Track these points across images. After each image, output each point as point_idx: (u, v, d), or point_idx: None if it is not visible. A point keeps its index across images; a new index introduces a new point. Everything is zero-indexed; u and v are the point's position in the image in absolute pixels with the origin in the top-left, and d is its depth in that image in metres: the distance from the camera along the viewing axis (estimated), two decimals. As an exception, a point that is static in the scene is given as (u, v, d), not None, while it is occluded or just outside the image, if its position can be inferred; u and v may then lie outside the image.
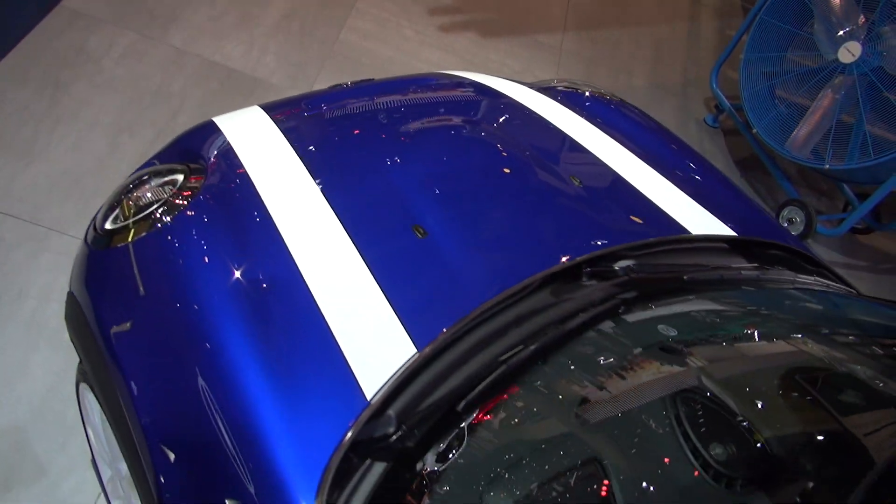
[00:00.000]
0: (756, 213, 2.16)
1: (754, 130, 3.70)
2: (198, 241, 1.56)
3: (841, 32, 3.39)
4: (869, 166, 3.26)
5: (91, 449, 2.02)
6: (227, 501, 1.25)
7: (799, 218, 3.61)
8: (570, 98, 2.34)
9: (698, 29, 4.89)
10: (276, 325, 1.41)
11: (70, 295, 1.70)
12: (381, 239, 1.61)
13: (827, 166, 3.40)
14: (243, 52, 3.51)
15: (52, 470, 2.08)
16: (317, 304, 1.44)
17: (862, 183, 3.59)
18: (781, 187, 3.85)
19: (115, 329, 1.53)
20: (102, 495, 2.04)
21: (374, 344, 1.39)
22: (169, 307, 1.48)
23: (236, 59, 3.46)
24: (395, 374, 1.34)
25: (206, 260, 1.52)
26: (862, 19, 3.34)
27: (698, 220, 1.92)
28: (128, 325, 1.52)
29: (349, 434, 1.26)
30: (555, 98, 2.28)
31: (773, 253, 2.01)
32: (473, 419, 1.30)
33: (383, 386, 1.33)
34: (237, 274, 1.48)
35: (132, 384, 1.44)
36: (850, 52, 3.36)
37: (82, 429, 2.08)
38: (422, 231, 1.63)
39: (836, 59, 3.41)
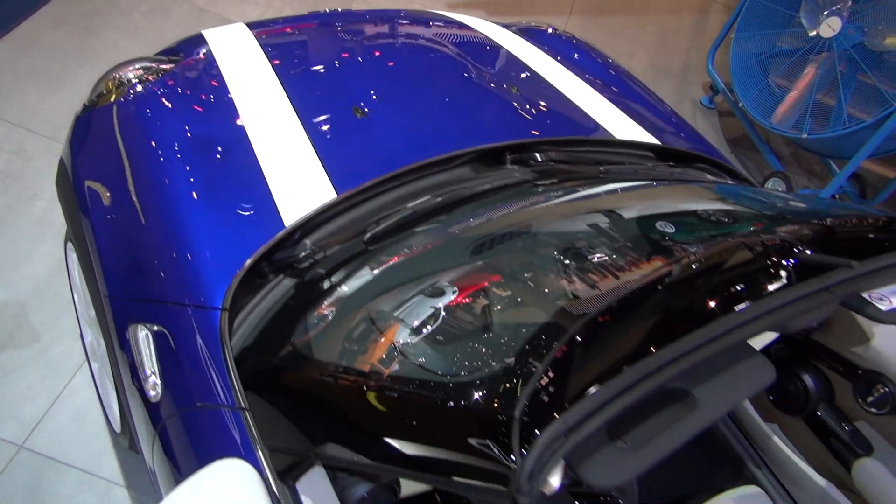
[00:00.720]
0: (689, 132, 2.32)
1: (741, 104, 3.83)
2: (163, 101, 1.81)
3: (826, 12, 3.53)
4: (841, 136, 3.37)
5: (77, 316, 2.28)
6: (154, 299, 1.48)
7: (781, 188, 3.72)
8: (528, 32, 2.55)
9: (706, 20, 5.04)
10: (217, 166, 1.65)
11: (60, 161, 1.97)
12: (323, 113, 1.84)
13: (805, 135, 3.52)
14: (260, 14, 3.82)
15: (45, 338, 2.34)
16: (255, 153, 1.67)
17: (840, 157, 3.69)
18: (767, 161, 3.96)
19: (87, 181, 1.78)
20: (86, 362, 2.29)
21: (300, 187, 1.61)
22: (133, 157, 1.72)
23: (252, 17, 3.76)
24: (313, 210, 1.56)
25: (167, 116, 1.77)
26: (844, -4, 3.47)
27: (627, 130, 2.10)
28: (97, 174, 1.77)
29: (262, 247, 1.47)
30: (512, 31, 2.49)
31: (699, 166, 2.17)
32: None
33: (301, 218, 1.54)
34: (191, 128, 1.73)
35: (94, 219, 1.68)
36: (830, 28, 3.50)
37: (73, 307, 2.35)
38: (361, 111, 1.86)
39: (819, 35, 3.54)
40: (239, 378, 1.27)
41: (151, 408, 1.42)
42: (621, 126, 2.11)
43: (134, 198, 1.62)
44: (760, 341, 1.87)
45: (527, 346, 1.00)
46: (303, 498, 1.16)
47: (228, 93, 1.85)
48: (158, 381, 1.40)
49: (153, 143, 1.69)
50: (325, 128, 1.80)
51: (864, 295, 1.25)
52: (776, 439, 2.17)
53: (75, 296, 2.26)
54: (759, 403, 2.24)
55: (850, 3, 3.47)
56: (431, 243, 1.52)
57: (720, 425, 2.38)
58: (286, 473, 1.17)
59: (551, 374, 0.94)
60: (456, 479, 0.93)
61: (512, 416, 0.90)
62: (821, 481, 2.06)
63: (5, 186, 2.69)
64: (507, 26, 2.57)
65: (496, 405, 0.93)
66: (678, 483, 1.98)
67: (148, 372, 1.42)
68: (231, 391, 1.26)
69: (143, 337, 1.45)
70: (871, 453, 1.94)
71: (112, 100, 1.87)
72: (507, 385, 0.95)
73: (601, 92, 2.23)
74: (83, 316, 2.19)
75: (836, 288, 1.15)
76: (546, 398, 0.91)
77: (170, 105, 1.80)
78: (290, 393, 1.23)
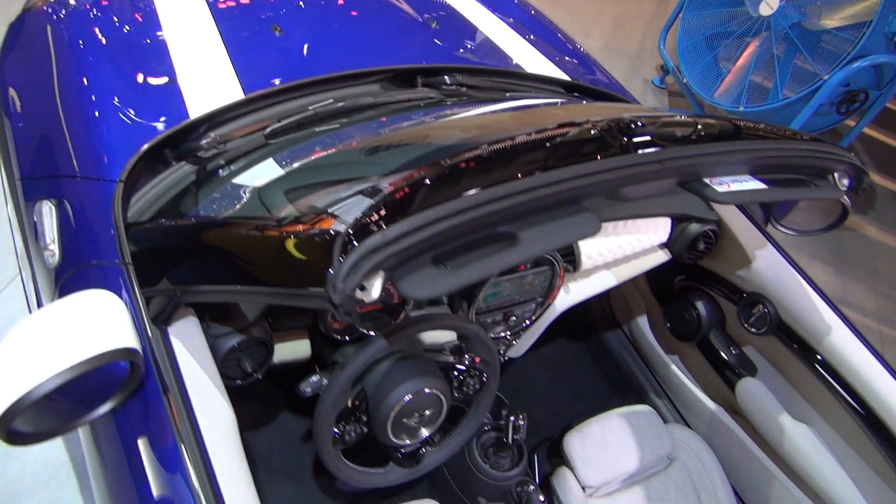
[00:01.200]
0: (603, 73, 2.43)
1: (685, 80, 3.97)
2: (87, 7, 1.91)
3: (766, -9, 3.67)
4: (773, 110, 3.51)
5: (11, 226, 2.36)
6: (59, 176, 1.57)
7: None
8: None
9: (665, 7, 5.18)
10: (130, 58, 1.74)
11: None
12: (242, 29, 1.93)
13: (741, 108, 3.66)
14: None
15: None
16: (169, 52, 1.77)
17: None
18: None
19: (11, 79, 1.87)
20: (19, 274, 2.37)
21: (209, 85, 1.71)
22: (56, 49, 1.81)
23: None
24: (219, 107, 1.65)
25: (87, 13, 1.86)
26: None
27: (539, 66, 2.21)
28: (20, 73, 1.86)
29: (164, 133, 1.56)
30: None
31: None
32: None
33: (207, 112, 1.64)
34: (109, 23, 1.82)
35: (13, 112, 1.77)
36: (768, 6, 3.63)
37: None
38: (279, 29, 1.95)
39: (759, 14, 3.68)
40: (126, 238, 1.36)
41: (54, 274, 1.51)
42: (534, 63, 2.22)
43: (53, 84, 1.71)
44: (647, 264, 1.99)
45: (361, 184, 1.10)
46: (173, 340, 1.25)
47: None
48: (57, 249, 1.49)
49: (72, 35, 1.78)
50: (242, 36, 1.89)
51: (706, 180, 1.36)
52: (674, 368, 2.28)
53: (5, 199, 2.34)
54: (662, 337, 2.35)
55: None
56: (329, 143, 1.62)
57: (629, 361, 2.50)
58: (158, 317, 1.26)
59: (381, 204, 1.04)
60: (286, 290, 1.03)
61: (339, 233, 1.00)
62: (711, 405, 2.18)
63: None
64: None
65: (328, 229, 1.03)
66: (585, 411, 2.08)
67: (48, 240, 1.51)
68: (118, 249, 1.35)
69: (47, 210, 1.54)
70: (755, 374, 2.05)
71: (40, 3, 1.96)
72: (339, 212, 1.05)
73: (517, 31, 2.34)
74: (9, 216, 2.27)
75: (667, 162, 1.26)
76: (370, 221, 1.01)
77: (91, 3, 1.90)
78: (167, 250, 1.32)
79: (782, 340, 1.93)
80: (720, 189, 1.35)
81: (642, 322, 2.39)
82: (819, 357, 1.83)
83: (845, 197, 1.56)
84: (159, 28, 1.85)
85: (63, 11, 1.91)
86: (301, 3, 2.10)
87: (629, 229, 1.88)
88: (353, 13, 2.15)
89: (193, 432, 1.14)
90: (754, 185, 1.41)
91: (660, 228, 1.94)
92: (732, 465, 2.10)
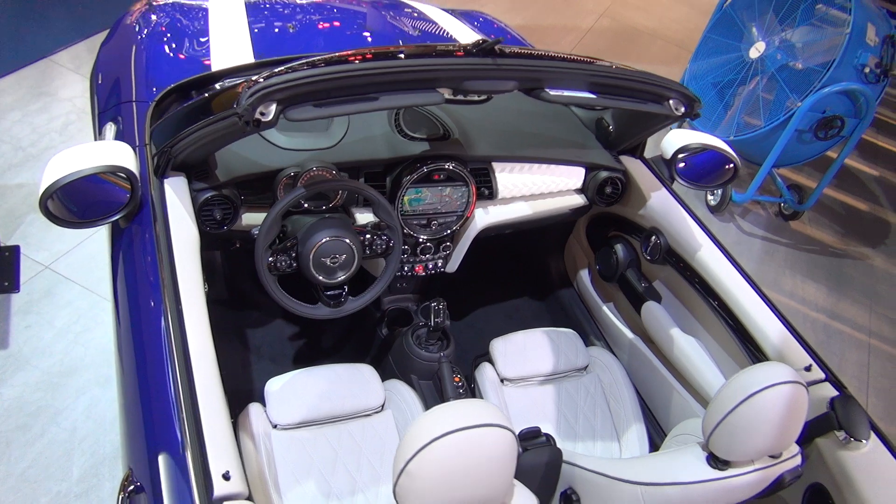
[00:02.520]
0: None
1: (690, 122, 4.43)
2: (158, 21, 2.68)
3: (758, 41, 4.14)
4: (754, 140, 3.93)
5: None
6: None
7: (718, 190, 4.24)
8: (463, 13, 3.33)
9: (694, 70, 5.69)
10: (183, 38, 2.46)
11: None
12: (266, 27, 2.64)
13: (731, 137, 4.07)
14: None
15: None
16: (210, 43, 2.47)
17: (760, 162, 4.19)
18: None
19: (101, 65, 2.63)
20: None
21: (230, 55, 2.39)
22: (134, 44, 2.57)
23: None
24: (233, 65, 2.32)
25: (160, 24, 2.63)
26: (772, 19, 4.08)
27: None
28: (107, 59, 2.62)
29: (187, 79, 2.23)
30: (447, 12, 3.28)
31: None
32: None
33: (224, 68, 2.31)
34: (171, 30, 2.57)
35: (98, 80, 2.52)
36: (756, 49, 4.09)
37: None
38: (293, 27, 2.66)
39: (750, 58, 4.14)
40: (149, 129, 2.00)
41: None
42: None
43: (130, 60, 2.45)
44: (563, 204, 2.45)
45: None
46: (166, 187, 1.86)
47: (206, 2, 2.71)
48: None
49: (145, 33, 2.54)
50: (263, 30, 2.60)
51: (546, 88, 1.87)
52: (605, 309, 2.69)
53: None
54: (600, 287, 2.77)
55: (773, 21, 4.07)
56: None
57: (576, 311, 2.91)
58: (157, 170, 1.87)
59: (282, 69, 1.63)
60: (221, 115, 1.62)
61: (256, 80, 1.59)
62: (630, 335, 2.56)
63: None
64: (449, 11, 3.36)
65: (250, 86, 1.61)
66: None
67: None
68: (144, 135, 2.00)
69: (109, 127, 2.23)
70: (660, 302, 2.44)
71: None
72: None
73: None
74: None
75: (505, 67, 1.77)
76: (271, 74, 1.59)
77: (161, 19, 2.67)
78: (168, 133, 1.94)
79: (675, 267, 2.33)
80: (553, 92, 1.86)
81: (584, 275, 2.82)
82: (698, 276, 2.22)
83: (688, 120, 2.02)
84: (206, 28, 2.59)
85: (143, 22, 2.70)
86: (310, 16, 2.81)
87: (544, 171, 2.39)
88: (355, 26, 2.84)
89: (168, 246, 1.70)
90: (588, 95, 1.91)
91: (573, 175, 2.43)
92: (643, 381, 2.46)
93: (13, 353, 2.60)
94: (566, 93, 1.89)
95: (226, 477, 1.31)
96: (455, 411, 1.26)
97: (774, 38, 4.07)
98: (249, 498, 1.34)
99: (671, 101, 2.03)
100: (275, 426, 1.96)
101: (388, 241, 2.03)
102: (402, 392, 2.14)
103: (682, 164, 2.43)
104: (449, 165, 2.15)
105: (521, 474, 1.73)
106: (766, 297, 2.07)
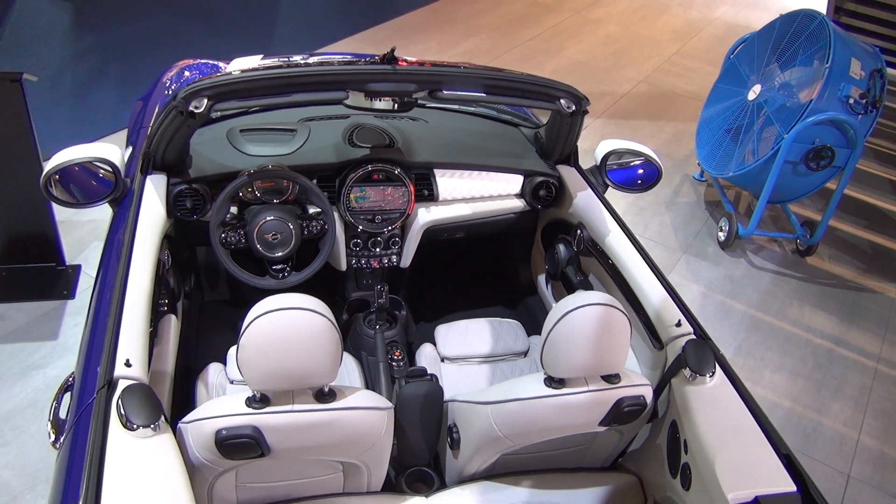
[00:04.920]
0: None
1: (698, 161, 4.64)
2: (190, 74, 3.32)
3: (755, 85, 4.38)
4: (750, 173, 4.10)
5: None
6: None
7: (726, 226, 4.38)
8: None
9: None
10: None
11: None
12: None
13: (730, 173, 4.25)
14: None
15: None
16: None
17: (757, 191, 4.32)
18: (723, 203, 4.65)
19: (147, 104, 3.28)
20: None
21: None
22: (163, 88, 3.20)
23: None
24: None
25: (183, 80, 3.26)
26: (774, 66, 4.31)
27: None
28: (147, 101, 3.26)
29: None
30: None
31: None
32: None
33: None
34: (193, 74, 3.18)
35: (136, 113, 3.16)
36: (753, 92, 4.32)
37: None
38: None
39: (748, 99, 4.37)
40: (146, 143, 2.55)
41: None
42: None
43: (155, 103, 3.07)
44: (502, 206, 2.77)
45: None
46: (147, 183, 2.37)
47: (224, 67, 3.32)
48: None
49: (182, 75, 3.17)
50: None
51: (443, 90, 2.27)
52: (549, 299, 2.96)
53: None
54: (552, 288, 3.03)
55: (776, 73, 4.30)
56: None
57: (538, 315, 3.16)
58: (142, 170, 2.40)
59: (224, 75, 2.12)
60: (163, 118, 2.12)
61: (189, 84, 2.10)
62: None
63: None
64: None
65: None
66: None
67: None
68: (141, 145, 2.55)
69: (127, 151, 2.81)
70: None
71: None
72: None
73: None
74: None
75: (403, 73, 2.20)
76: (210, 78, 2.09)
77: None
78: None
79: (597, 257, 2.60)
80: (447, 92, 2.26)
81: (541, 279, 3.09)
82: (610, 259, 2.49)
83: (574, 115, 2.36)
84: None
85: (176, 77, 3.34)
86: None
87: (483, 177, 2.76)
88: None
89: (134, 222, 2.19)
90: (479, 94, 2.30)
91: (511, 181, 2.78)
92: None
93: (60, 343, 3.17)
94: (460, 92, 2.29)
95: (127, 364, 1.72)
96: (279, 298, 1.62)
97: (774, 81, 4.29)
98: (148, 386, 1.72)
99: (562, 101, 2.38)
100: (231, 382, 2.36)
101: (322, 225, 2.44)
102: (346, 363, 2.49)
103: (611, 169, 2.74)
104: (390, 167, 2.56)
105: (402, 403, 2.04)
106: (655, 268, 2.31)
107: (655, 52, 7.15)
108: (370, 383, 2.59)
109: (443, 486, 2.18)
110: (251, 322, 1.58)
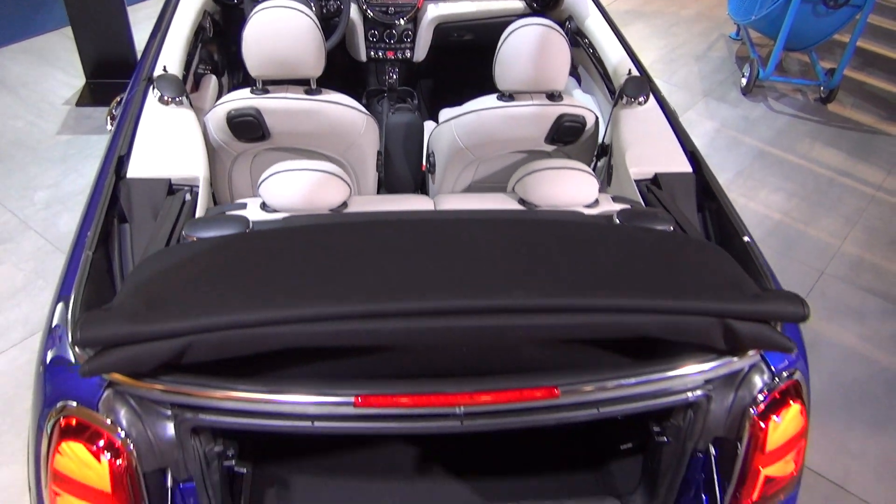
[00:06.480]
0: None
1: (728, 12, 4.80)
2: None
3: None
4: (769, 14, 4.26)
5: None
6: None
7: (748, 71, 4.58)
8: None
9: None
10: None
11: None
12: None
13: (753, 17, 4.42)
14: None
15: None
16: None
17: (796, 42, 4.47)
18: (749, 50, 4.82)
19: None
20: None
21: None
22: None
23: None
24: None
25: None
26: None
27: None
28: None
29: None
30: None
31: None
32: None
33: None
34: None
35: None
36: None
37: None
38: None
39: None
40: None
41: None
42: None
43: None
44: None
45: None
46: None
47: None
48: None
49: None
50: None
51: None
52: None
53: None
54: None
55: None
56: None
57: None
58: None
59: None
60: None
61: None
62: None
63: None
64: None
65: None
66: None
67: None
68: None
69: None
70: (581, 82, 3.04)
71: None
72: None
73: None
74: None
75: None
76: None
77: None
78: None
79: (583, 49, 2.94)
80: None
81: None
82: (591, 43, 2.83)
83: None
84: None
85: None
86: None
87: None
88: None
89: None
90: None
91: None
92: None
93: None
94: None
95: (164, 69, 2.22)
96: None
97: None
98: None
99: None
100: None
101: (339, 5, 2.87)
102: None
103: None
104: None
105: (389, 132, 2.49)
106: (619, 33, 2.66)
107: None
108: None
109: None
110: (251, 17, 2.04)
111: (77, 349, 1.31)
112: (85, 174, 3.51)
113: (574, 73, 3.07)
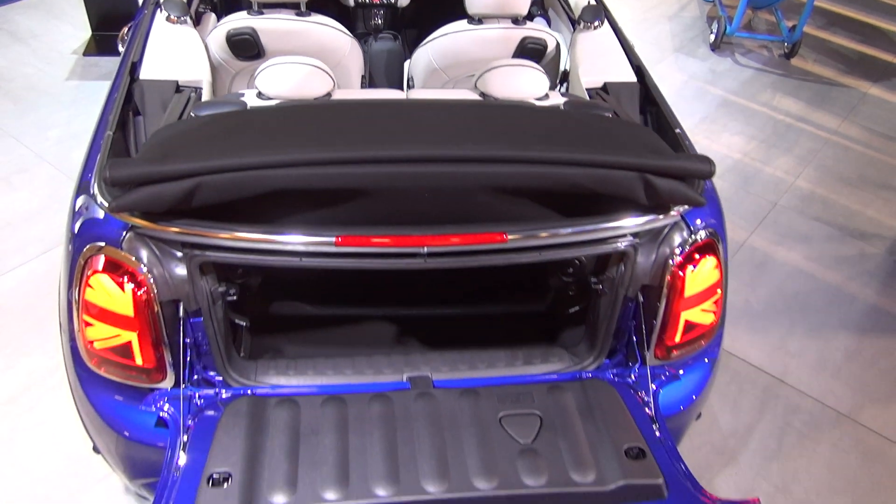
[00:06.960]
0: None
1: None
2: None
3: None
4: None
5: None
6: None
7: (715, 27, 4.85)
8: None
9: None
10: None
11: None
12: None
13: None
14: None
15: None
16: None
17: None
18: (719, 10, 5.09)
19: None
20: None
21: None
22: None
23: None
24: None
25: None
26: None
27: None
28: None
29: None
30: None
31: None
32: None
33: None
34: None
35: None
36: None
37: None
38: None
39: None
40: None
41: None
42: None
43: None
44: None
45: None
46: None
47: None
48: None
49: None
50: None
51: None
52: None
53: None
54: None
55: None
56: None
57: None
58: None
59: None
60: None
61: None
62: None
63: None
64: None
65: None
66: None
67: None
68: None
69: None
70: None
71: None
72: None
73: None
74: None
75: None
76: None
77: None
78: None
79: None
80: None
81: None
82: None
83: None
84: None
85: None
86: None
87: None
88: None
89: None
90: None
91: None
92: None
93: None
94: None
95: None
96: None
97: None
98: None
99: None
100: None
101: None
102: None
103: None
104: None
105: (372, 58, 2.75)
106: None
107: None
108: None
109: None
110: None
111: (104, 191, 1.58)
112: (94, 116, 3.76)
113: (545, 15, 3.34)
